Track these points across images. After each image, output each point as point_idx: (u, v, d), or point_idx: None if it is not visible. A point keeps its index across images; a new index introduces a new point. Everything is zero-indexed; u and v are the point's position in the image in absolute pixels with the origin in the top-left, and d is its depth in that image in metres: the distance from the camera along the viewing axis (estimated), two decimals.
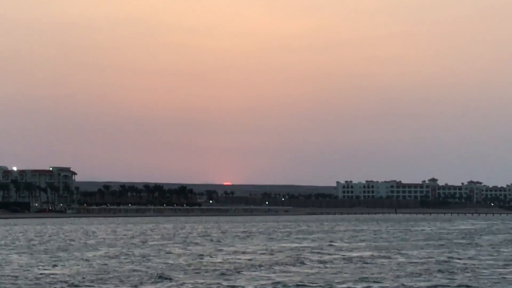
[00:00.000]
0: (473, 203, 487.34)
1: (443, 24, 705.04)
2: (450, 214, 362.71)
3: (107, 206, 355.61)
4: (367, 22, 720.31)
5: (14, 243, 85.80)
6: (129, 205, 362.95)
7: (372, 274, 43.24)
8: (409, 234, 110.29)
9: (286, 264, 51.44)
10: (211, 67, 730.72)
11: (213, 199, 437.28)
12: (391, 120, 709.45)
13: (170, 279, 41.04)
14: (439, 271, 44.82)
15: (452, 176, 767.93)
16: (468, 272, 44.26)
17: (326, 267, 48.43)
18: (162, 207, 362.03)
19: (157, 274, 43.88)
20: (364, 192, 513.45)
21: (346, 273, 44.27)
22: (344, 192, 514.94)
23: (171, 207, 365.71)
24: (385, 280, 39.80)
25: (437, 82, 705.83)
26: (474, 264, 50.77)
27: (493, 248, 72.84)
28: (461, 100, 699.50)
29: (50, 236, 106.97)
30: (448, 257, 58.29)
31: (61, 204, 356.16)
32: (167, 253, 65.35)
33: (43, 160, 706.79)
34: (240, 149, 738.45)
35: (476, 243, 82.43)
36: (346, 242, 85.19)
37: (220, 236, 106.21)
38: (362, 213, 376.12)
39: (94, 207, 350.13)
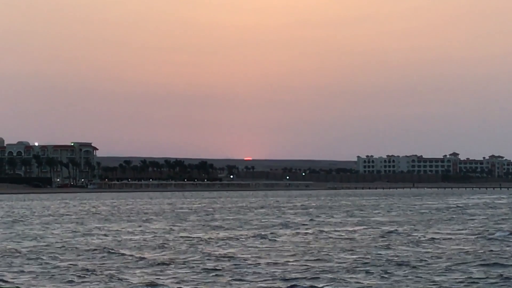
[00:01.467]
0: (495, 177, 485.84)
1: None
2: (471, 188, 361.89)
3: (128, 181, 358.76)
4: None
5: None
6: (150, 180, 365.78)
7: (301, 250, 44.30)
8: (404, 209, 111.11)
9: (247, 238, 52.59)
10: (231, 42, 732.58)
11: (234, 174, 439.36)
12: (412, 94, 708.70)
13: (117, 253, 42.27)
14: (376, 246, 45.93)
15: (473, 150, 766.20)
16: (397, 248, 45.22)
17: (277, 243, 49.51)
18: (183, 182, 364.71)
19: (105, 248, 45.24)
20: (385, 166, 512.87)
21: (283, 248, 45.44)
22: (365, 166, 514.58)
23: (192, 182, 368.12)
24: (317, 255, 40.92)
25: (457, 56, 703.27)
26: (420, 238, 51.58)
27: (468, 223, 73.45)
28: (482, 73, 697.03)
29: (38, 211, 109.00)
30: (404, 231, 59.36)
31: (82, 179, 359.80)
32: (143, 229, 66.64)
33: (64, 135, 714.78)
34: (261, 124, 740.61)
35: (457, 218, 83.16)
36: (330, 217, 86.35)
37: (211, 211, 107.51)
38: (383, 188, 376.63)
39: (115, 182, 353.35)
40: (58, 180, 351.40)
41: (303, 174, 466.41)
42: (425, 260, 37.55)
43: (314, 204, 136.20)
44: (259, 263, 36.64)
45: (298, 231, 61.16)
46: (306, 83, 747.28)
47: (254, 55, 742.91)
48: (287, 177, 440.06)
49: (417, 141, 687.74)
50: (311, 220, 79.76)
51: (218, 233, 58.84)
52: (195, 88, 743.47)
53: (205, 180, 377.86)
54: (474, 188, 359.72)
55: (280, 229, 64.13)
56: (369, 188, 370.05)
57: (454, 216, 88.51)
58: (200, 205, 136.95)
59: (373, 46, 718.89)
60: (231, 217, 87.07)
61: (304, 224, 71.10)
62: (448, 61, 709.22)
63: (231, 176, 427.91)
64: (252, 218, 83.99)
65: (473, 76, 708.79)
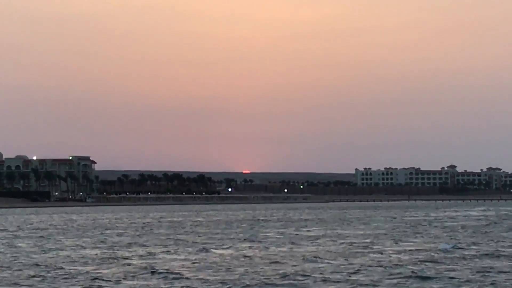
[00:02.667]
0: (492, 189, 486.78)
1: (459, 10, 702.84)
2: (469, 200, 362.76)
3: (126, 194, 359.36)
4: (385, 9, 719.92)
5: None
6: (149, 193, 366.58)
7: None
8: (382, 222, 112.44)
9: (191, 254, 54.02)
10: (228, 55, 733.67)
11: (232, 187, 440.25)
12: (409, 107, 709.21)
13: (57, 268, 43.70)
14: (306, 260, 47.39)
15: (471, 162, 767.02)
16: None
17: (215, 257, 50.87)
18: (181, 195, 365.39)
19: (50, 264, 46.68)
20: (383, 179, 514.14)
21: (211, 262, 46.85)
22: (363, 179, 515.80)
23: (190, 195, 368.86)
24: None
25: (455, 68, 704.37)
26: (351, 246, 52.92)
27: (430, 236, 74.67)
28: (480, 85, 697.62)
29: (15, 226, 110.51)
30: (361, 243, 60.81)
31: (81, 193, 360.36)
32: (103, 244, 68.03)
33: (62, 149, 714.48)
34: (259, 137, 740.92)
35: (422, 230, 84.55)
36: (302, 231, 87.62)
37: (191, 225, 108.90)
38: (381, 200, 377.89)
39: (114, 195, 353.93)
40: (56, 194, 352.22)
41: (301, 186, 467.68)
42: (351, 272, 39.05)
43: (297, 217, 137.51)
44: (186, 277, 38.16)
45: (254, 244, 62.41)
46: (304, 96, 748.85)
47: (251, 68, 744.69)
48: (285, 190, 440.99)
49: (415, 153, 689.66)
50: (283, 234, 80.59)
51: (175, 248, 60.28)
52: (193, 101, 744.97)
53: (203, 193, 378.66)
54: (472, 200, 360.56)
55: (240, 243, 65.54)
56: (367, 201, 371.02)
57: (426, 227, 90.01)
58: (183, 219, 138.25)
59: (371, 59, 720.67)
60: (203, 231, 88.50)
61: (271, 238, 72.17)
62: (446, 73, 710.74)
63: (230, 189, 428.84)
64: (225, 232, 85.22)
65: (470, 89, 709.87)
